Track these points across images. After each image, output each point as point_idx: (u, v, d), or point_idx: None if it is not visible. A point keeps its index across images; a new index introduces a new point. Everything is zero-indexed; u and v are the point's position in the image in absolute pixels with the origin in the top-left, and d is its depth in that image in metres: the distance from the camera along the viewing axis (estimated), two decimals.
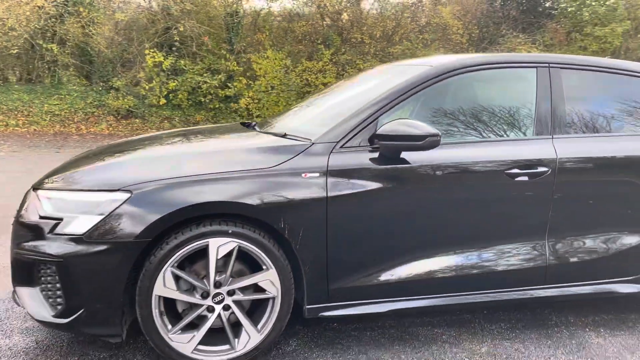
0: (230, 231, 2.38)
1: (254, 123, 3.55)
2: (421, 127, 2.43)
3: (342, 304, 2.59)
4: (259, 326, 2.49)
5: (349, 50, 15.20)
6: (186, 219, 2.35)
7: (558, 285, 2.82)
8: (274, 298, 2.48)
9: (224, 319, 2.45)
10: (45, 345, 2.64)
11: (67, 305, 2.36)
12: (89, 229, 2.30)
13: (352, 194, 2.49)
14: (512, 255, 2.73)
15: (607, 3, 14.58)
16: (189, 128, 3.98)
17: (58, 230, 2.35)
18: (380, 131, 2.50)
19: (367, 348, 2.70)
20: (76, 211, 2.37)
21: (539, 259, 2.75)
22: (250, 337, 2.48)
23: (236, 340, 2.46)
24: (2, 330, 2.78)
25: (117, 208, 2.31)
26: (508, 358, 2.64)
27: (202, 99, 14.78)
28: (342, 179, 2.49)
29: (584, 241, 2.81)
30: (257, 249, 2.41)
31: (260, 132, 3.08)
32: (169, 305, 2.45)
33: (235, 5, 15.56)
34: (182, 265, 2.40)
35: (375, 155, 2.55)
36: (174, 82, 14.52)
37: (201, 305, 2.43)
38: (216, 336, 2.48)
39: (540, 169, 2.68)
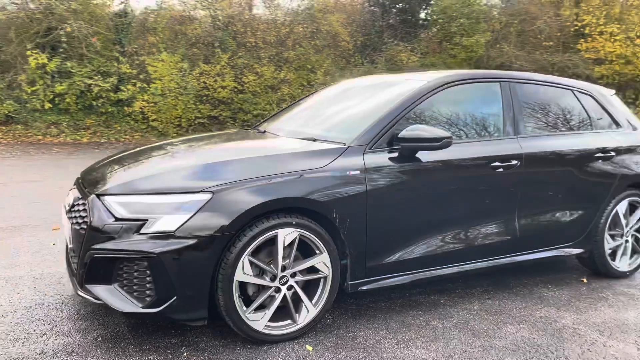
0: (294, 222, 2.81)
1: (262, 128, 3.96)
2: (436, 131, 3.06)
3: (375, 279, 3.13)
4: (314, 302, 2.94)
5: (244, 54, 15.54)
6: (255, 215, 2.74)
7: (525, 252, 3.64)
8: (326, 277, 2.95)
9: (288, 298, 2.87)
10: (111, 339, 2.84)
11: (158, 295, 2.62)
12: (179, 226, 2.59)
13: (383, 187, 3.04)
14: (495, 230, 3.48)
15: (471, 16, 16.55)
16: (195, 136, 4.19)
17: (144, 230, 2.61)
18: (402, 135, 3.07)
19: (389, 315, 3.26)
20: (159, 212, 2.64)
21: (512, 232, 3.54)
22: (309, 311, 2.92)
23: (297, 315, 2.90)
24: (62, 332, 2.91)
25: (202, 207, 2.62)
26: (496, 311, 3.37)
27: (93, 103, 14.20)
28: (376, 175, 3.03)
29: (541, 216, 3.66)
30: (314, 236, 2.87)
31: (288, 137, 3.50)
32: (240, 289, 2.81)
33: (123, 5, 15.15)
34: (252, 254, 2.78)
35: (394, 155, 3.11)
36: (61, 85, 13.80)
37: (270, 287, 2.83)
38: (278, 313, 2.89)
39: (513, 162, 3.45)
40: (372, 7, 18.15)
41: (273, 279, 2.82)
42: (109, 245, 2.64)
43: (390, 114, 3.21)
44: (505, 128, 3.58)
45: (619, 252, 4.02)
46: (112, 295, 2.69)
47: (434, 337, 2.98)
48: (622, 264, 4.04)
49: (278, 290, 2.84)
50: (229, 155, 3.11)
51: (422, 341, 2.92)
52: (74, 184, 3.31)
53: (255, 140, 3.71)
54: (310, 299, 2.94)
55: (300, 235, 2.83)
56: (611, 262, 3.98)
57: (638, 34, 17.35)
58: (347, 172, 2.96)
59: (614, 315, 3.36)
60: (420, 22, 17.52)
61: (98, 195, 2.79)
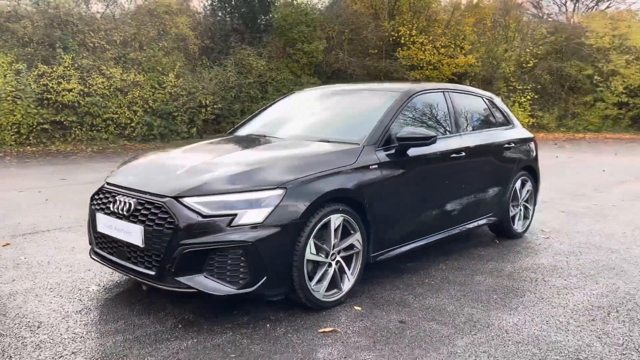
0: (340, 209, 3.46)
1: (249, 133, 4.44)
2: (426, 131, 3.94)
3: (387, 250, 3.91)
4: (351, 272, 3.63)
5: (89, 55, 14.77)
6: (318, 204, 3.33)
7: (470, 221, 4.76)
8: (358, 252, 3.65)
9: (336, 270, 3.51)
10: (187, 324, 3.16)
11: (252, 277, 3.07)
12: (265, 218, 3.08)
13: (391, 177, 3.83)
14: (456, 205, 4.52)
15: (309, 24, 17.91)
16: (197, 144, 4.35)
17: (235, 223, 3.05)
18: (400, 135, 3.89)
19: (394, 281, 4.07)
20: (243, 207, 3.09)
21: (464, 206, 4.62)
22: (349, 280, 3.60)
23: (342, 284, 3.56)
24: (139, 324, 3.13)
25: (281, 201, 3.14)
26: (461, 268, 4.38)
27: None
28: (385, 168, 3.80)
29: (478, 194, 4.80)
30: (351, 219, 3.55)
31: (309, 140, 4.02)
32: None
33: None
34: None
35: (392, 151, 3.92)
36: None
37: (325, 263, 3.44)
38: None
39: (462, 153, 4.52)
40: (216, 11, 18.49)
41: (326, 257, 3.44)
42: (203, 239, 3.02)
43: (386, 118, 4.03)
44: (452, 127, 4.64)
45: (517, 218, 5.40)
46: (205, 283, 3.07)
47: (435, 289, 3.88)
48: (518, 226, 5.43)
49: (330, 265, 3.47)
50: (278, 156, 3.60)
51: (430, 293, 3.80)
52: (115, 188, 3.48)
53: (277, 144, 4.10)
54: (349, 271, 3.62)
55: (344, 219, 3.50)
56: (513, 226, 5.33)
57: (442, 44, 20.57)
58: (370, 167, 3.70)
59: (533, 261, 4.64)
60: (262, 27, 18.34)
61: (175, 198, 3.12)
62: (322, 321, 3.28)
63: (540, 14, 30.39)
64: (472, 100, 5.16)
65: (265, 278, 3.11)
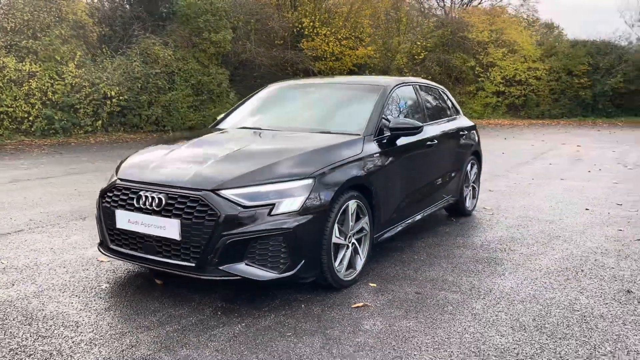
0: (355, 195, 3.74)
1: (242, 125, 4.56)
2: (414, 122, 4.33)
3: (386, 231, 4.26)
4: (362, 253, 3.93)
5: None
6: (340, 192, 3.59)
7: (440, 201, 5.26)
8: (367, 234, 3.96)
9: (352, 251, 3.80)
10: (227, 310, 3.28)
11: (291, 261, 3.27)
12: (301, 206, 3.29)
13: (388, 163, 4.17)
14: (434, 186, 5.00)
15: (215, 13, 17.68)
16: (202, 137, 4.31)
17: (274, 212, 3.23)
18: (392, 125, 4.25)
19: (391, 261, 4.44)
20: (279, 197, 3.28)
21: (437, 187, 5.10)
22: (361, 260, 3.90)
23: (356, 264, 3.86)
24: (182, 314, 3.19)
25: (312, 189, 3.36)
26: (438, 245, 4.86)
27: None
28: (383, 156, 4.14)
29: (446, 176, 5.31)
30: (362, 204, 3.85)
31: (311, 132, 4.23)
32: None
33: None
34: None
35: (384, 141, 4.26)
36: None
37: (344, 245, 3.71)
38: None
39: (435, 141, 5.00)
40: None
41: (344, 240, 3.72)
42: (246, 228, 3.18)
43: (376, 110, 4.36)
44: (424, 117, 5.09)
45: (468, 198, 6.02)
46: (248, 270, 3.23)
47: (427, 264, 4.31)
48: (469, 205, 6.06)
49: (347, 247, 3.76)
50: (297, 148, 3.76)
51: (425, 267, 4.23)
52: (134, 184, 3.48)
53: (287, 136, 4.24)
54: (361, 251, 3.93)
55: (358, 204, 3.79)
56: (466, 205, 5.95)
57: (344, 35, 21.30)
58: (373, 155, 4.02)
59: (493, 234, 5.25)
60: (165, 15, 17.75)
61: (213, 191, 3.22)
62: (348, 298, 3.56)
63: (422, 9, 32.38)
64: (432, 92, 5.66)
65: (303, 262, 3.33)
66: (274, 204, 3.25)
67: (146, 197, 3.38)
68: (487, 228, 5.51)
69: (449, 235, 5.21)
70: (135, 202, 3.43)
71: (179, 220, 3.24)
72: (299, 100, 5.01)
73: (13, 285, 3.73)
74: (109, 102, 15.19)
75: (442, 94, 5.92)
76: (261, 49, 18.92)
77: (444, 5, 33.78)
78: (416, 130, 4.31)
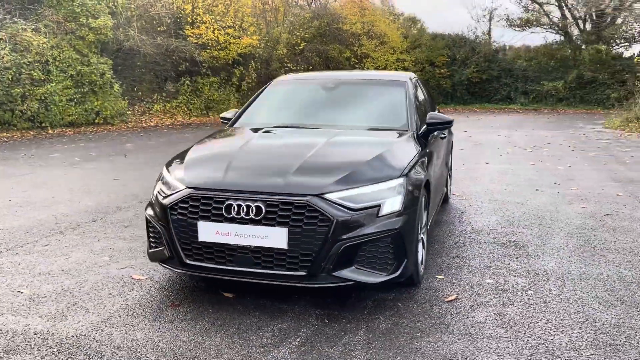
0: (426, 190, 3.78)
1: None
2: (447, 117, 4.46)
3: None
4: (423, 247, 3.99)
5: None
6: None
7: (445, 189, 5.48)
8: (427, 227, 4.03)
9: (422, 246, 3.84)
10: (319, 316, 3.13)
11: (398, 262, 3.23)
12: (401, 204, 3.25)
13: (430, 157, 4.25)
14: (443, 177, 5.17)
15: None
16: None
17: (381, 213, 3.16)
18: (429, 120, 4.34)
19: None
20: (383, 197, 3.21)
21: (444, 176, 5.31)
22: (423, 253, 3.96)
23: (422, 258, 3.90)
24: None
25: (405, 188, 3.33)
26: (453, 233, 5.05)
27: None
28: (427, 150, 4.21)
29: (446, 166, 5.54)
30: (427, 195, 3.91)
31: (364, 130, 4.21)
32: None
33: None
34: None
35: (422, 134, 4.32)
36: None
37: (420, 240, 3.72)
38: None
39: (445, 134, 5.19)
40: None
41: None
42: (358, 232, 3.09)
43: (411, 106, 4.42)
44: (430, 109, 5.25)
45: (449, 184, 6.34)
46: (359, 275, 3.14)
47: (462, 257, 4.48)
48: (449, 191, 6.39)
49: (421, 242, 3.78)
50: (371, 149, 3.66)
51: (466, 257, 4.40)
52: (215, 193, 3.17)
53: (351, 133, 4.14)
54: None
55: (425, 198, 3.83)
56: (449, 191, 6.27)
57: (228, 24, 20.73)
58: (425, 150, 4.08)
59: (489, 219, 5.59)
60: None
61: (318, 196, 3.06)
62: (431, 293, 3.60)
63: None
64: (422, 86, 5.84)
65: (406, 261, 3.29)
66: (379, 205, 3.16)
67: (238, 205, 3.08)
68: (477, 213, 5.84)
69: (450, 223, 5.43)
70: (224, 212, 3.10)
71: (287, 229, 3.01)
72: (325, 98, 4.84)
73: (66, 318, 3.15)
74: None
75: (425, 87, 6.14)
76: (145, 36, 17.67)
77: None
78: (449, 124, 4.45)
